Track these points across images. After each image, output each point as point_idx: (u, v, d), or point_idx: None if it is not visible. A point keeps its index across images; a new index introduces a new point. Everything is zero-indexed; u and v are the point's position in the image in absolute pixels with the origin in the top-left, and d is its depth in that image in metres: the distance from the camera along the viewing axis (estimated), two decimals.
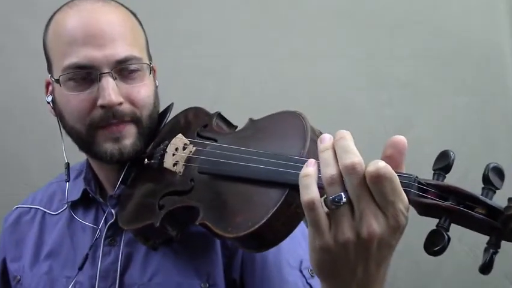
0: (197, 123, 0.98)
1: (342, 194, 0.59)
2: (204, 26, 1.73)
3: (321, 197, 0.60)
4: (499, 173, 0.58)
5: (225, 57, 1.73)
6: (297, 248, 0.95)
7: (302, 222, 0.71)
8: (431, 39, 1.75)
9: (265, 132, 0.82)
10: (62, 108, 0.97)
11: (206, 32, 1.73)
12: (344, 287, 0.63)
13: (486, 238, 0.59)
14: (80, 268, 0.97)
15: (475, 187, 0.61)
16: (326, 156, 0.60)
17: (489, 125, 1.76)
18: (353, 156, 0.58)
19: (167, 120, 1.04)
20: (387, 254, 0.61)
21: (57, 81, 0.94)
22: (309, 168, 0.61)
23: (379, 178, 0.57)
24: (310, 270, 0.94)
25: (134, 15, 1.02)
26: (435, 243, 0.57)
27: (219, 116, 0.98)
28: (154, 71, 1.04)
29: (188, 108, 1.05)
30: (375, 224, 0.58)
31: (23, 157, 1.73)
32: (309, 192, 0.59)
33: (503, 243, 0.58)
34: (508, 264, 1.61)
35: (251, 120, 0.88)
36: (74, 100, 0.93)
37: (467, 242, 1.61)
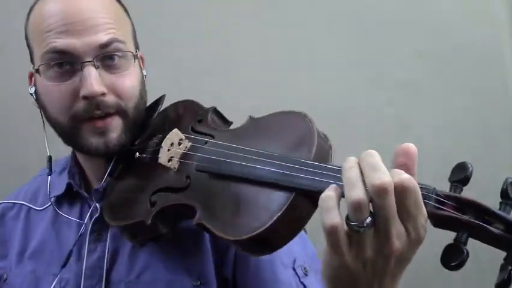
0: (191, 117, 0.95)
1: (369, 218, 0.55)
2: (203, 26, 1.73)
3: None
4: None
5: (224, 58, 1.73)
6: (290, 246, 0.92)
7: None
8: (431, 39, 1.74)
9: (267, 132, 0.79)
10: (44, 99, 0.94)
11: (205, 32, 1.73)
12: None
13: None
14: (64, 265, 0.94)
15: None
16: (351, 175, 0.56)
17: (489, 125, 1.75)
18: (383, 175, 0.55)
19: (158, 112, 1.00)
20: (404, 268, 0.60)
21: (37, 71, 0.91)
22: (331, 192, 0.58)
23: (403, 191, 0.55)
24: (304, 269, 0.92)
25: (119, 1, 0.99)
26: (453, 258, 0.56)
27: (215, 111, 0.95)
28: (142, 59, 1.00)
29: (180, 101, 1.01)
30: (397, 242, 0.56)
31: (23, 157, 1.73)
32: (332, 217, 0.56)
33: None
34: None
35: (251, 118, 0.85)
36: (55, 91, 0.90)
37: (468, 244, 1.60)
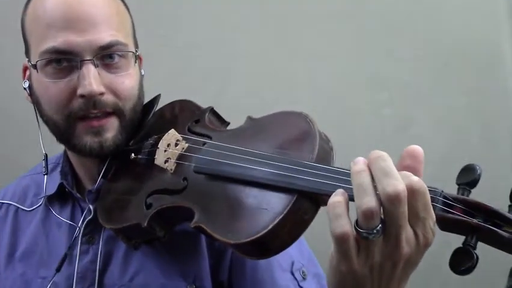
0: (187, 117, 0.91)
1: (380, 225, 0.53)
2: (204, 27, 1.73)
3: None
4: None
5: (224, 58, 1.73)
6: (288, 249, 0.91)
7: None
8: (431, 39, 1.74)
9: (267, 133, 0.76)
10: (39, 95, 0.90)
11: (206, 32, 1.73)
12: None
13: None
14: (58, 269, 0.90)
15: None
16: (362, 181, 0.53)
17: (489, 125, 1.75)
18: (396, 182, 0.52)
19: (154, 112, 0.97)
20: (410, 272, 0.58)
21: (35, 66, 0.87)
22: (339, 198, 0.55)
23: (413, 194, 0.53)
24: (302, 272, 0.90)
25: None
26: (463, 263, 0.55)
27: (212, 111, 0.91)
28: (140, 59, 0.97)
29: (176, 101, 0.98)
30: (406, 247, 0.54)
31: (22, 157, 1.72)
32: (342, 224, 0.54)
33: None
34: (507, 263, 1.61)
35: (250, 119, 0.82)
36: (52, 88, 0.86)
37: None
